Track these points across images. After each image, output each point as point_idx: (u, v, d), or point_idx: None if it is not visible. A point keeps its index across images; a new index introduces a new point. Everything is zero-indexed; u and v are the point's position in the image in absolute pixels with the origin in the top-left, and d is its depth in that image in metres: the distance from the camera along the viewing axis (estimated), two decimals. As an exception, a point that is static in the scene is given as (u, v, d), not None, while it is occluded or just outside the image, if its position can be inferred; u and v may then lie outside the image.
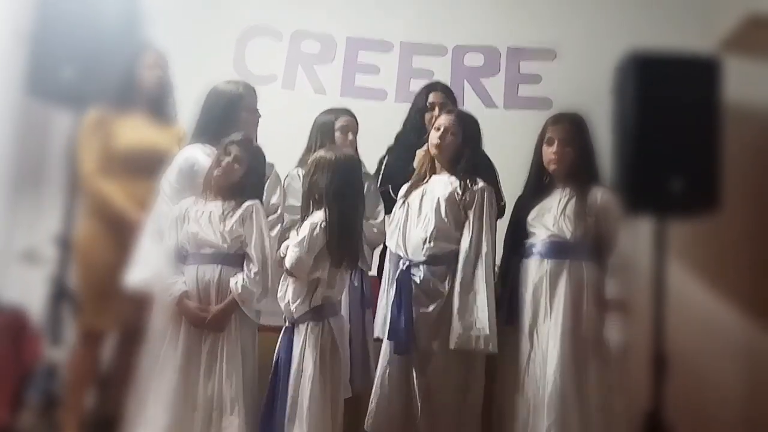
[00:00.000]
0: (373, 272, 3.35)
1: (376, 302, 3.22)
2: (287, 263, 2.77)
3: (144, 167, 3.05)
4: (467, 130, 3.06)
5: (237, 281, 2.81)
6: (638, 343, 3.07)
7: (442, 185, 3.01)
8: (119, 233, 3.03)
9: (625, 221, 3.03)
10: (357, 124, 3.28)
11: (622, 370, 2.94)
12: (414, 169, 3.26)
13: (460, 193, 2.97)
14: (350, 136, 3.24)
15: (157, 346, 2.85)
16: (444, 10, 4.25)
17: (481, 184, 3.00)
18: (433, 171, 3.08)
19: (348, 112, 3.28)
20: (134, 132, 3.15)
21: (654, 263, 3.27)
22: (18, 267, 3.32)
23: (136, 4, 3.46)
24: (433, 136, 3.05)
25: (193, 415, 2.74)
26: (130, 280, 2.92)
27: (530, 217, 3.05)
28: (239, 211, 2.84)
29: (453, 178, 3.01)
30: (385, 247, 3.29)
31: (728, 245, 3.60)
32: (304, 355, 2.73)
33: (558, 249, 2.99)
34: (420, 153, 3.27)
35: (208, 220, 2.85)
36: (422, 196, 3.03)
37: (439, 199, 2.98)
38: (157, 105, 3.24)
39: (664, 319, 3.24)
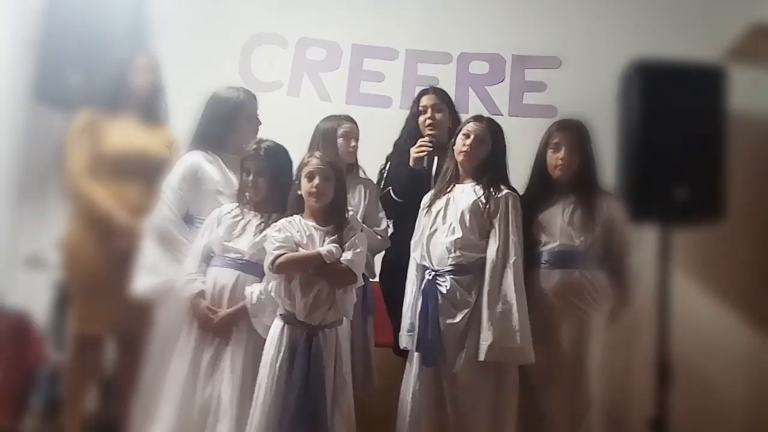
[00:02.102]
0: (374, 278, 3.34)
1: (380, 308, 3.24)
2: (359, 268, 2.74)
3: (133, 170, 3.06)
4: (496, 139, 3.01)
5: (253, 291, 2.79)
6: (642, 351, 3.07)
7: (466, 194, 2.96)
8: (106, 236, 3.03)
9: (630, 228, 3.02)
10: (358, 130, 3.28)
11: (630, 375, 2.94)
12: (410, 169, 3.25)
13: (483, 201, 2.91)
14: (352, 143, 3.24)
15: (167, 347, 2.85)
16: (449, 18, 4.24)
17: (504, 191, 2.94)
18: (456, 179, 3.02)
19: (349, 119, 3.28)
20: (124, 135, 3.15)
21: (658, 271, 3.27)
22: (23, 272, 3.34)
23: (142, 11, 3.49)
24: (460, 143, 2.99)
25: (191, 417, 2.73)
26: (138, 288, 2.92)
27: (534, 225, 3.02)
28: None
29: (477, 187, 2.95)
30: (386, 254, 3.29)
31: (732, 253, 3.59)
32: (339, 357, 2.71)
33: (566, 258, 2.97)
34: (413, 151, 3.26)
35: (243, 229, 2.85)
36: (446, 205, 2.98)
37: (463, 208, 2.92)
38: (148, 108, 3.23)
39: (668, 327, 3.24)
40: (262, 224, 2.84)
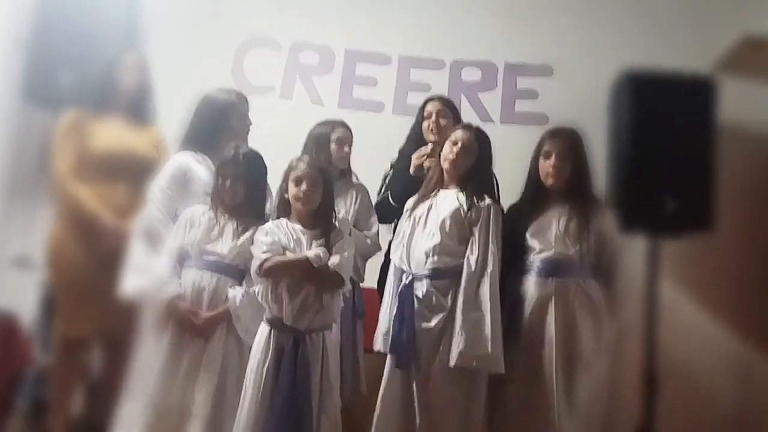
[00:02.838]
0: (370, 284, 3.32)
1: (370, 314, 3.24)
2: (347, 271, 2.73)
3: (119, 171, 3.06)
4: (483, 148, 3.01)
5: (236, 295, 2.79)
6: (630, 360, 3.07)
7: (449, 200, 2.97)
8: (92, 237, 3.01)
9: (621, 239, 3.03)
10: (352, 136, 3.28)
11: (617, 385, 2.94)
12: (413, 177, 3.26)
13: (465, 209, 2.92)
14: (345, 148, 3.25)
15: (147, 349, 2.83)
16: (443, 25, 4.26)
17: (487, 200, 2.95)
18: (441, 184, 3.03)
19: (343, 124, 3.28)
20: (111, 135, 3.14)
21: (647, 281, 3.28)
22: (10, 273, 3.32)
23: (135, 12, 3.48)
24: (447, 150, 2.99)
25: (164, 420, 2.71)
26: (126, 288, 2.91)
27: (529, 233, 3.01)
28: (252, 230, 2.81)
29: (461, 194, 2.96)
30: (386, 260, 3.29)
31: (721, 264, 3.60)
32: (326, 362, 2.70)
33: (562, 267, 2.96)
34: (414, 158, 3.27)
35: (219, 233, 2.84)
36: (428, 211, 2.98)
37: (444, 214, 2.93)
38: (136, 109, 3.22)
39: (655, 337, 3.25)
40: (240, 228, 2.84)
